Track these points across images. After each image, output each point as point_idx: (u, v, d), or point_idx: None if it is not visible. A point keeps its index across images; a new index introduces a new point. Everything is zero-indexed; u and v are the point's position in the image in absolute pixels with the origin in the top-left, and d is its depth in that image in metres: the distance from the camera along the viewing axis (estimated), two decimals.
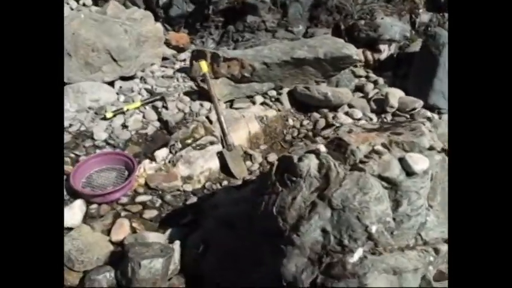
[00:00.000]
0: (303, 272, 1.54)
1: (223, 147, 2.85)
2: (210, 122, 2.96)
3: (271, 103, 3.35)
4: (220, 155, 2.81)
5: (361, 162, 1.62)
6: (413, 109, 3.17)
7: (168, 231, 2.32)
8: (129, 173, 2.72)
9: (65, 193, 2.55)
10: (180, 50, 4.02)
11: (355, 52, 3.35)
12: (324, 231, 1.53)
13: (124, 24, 3.57)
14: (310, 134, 3.19)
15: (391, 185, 1.57)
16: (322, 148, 1.69)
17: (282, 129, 3.27)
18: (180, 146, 2.77)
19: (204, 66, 2.95)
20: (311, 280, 1.51)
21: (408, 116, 3.15)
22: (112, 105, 3.30)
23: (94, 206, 2.50)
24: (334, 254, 1.50)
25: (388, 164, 1.59)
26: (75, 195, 2.53)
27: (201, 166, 2.73)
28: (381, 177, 1.57)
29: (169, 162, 2.75)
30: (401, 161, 1.60)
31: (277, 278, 1.63)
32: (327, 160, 1.65)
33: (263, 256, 1.74)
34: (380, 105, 3.26)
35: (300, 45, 3.38)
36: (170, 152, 2.80)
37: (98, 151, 2.91)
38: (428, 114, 3.11)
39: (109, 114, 3.14)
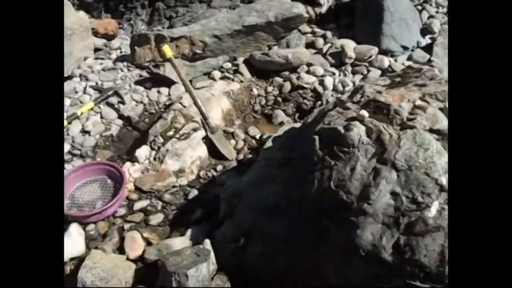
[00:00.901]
0: (381, 237, 1.54)
1: (205, 131, 2.70)
2: (184, 107, 2.77)
3: (231, 76, 3.22)
4: (206, 140, 2.66)
5: (409, 120, 1.63)
6: (370, 57, 3.25)
7: (188, 232, 2.17)
8: (114, 181, 2.48)
9: None
10: (110, 37, 3.65)
11: (303, 10, 3.31)
12: (393, 193, 1.53)
13: None
14: (279, 99, 3.14)
15: (442, 136, 1.60)
16: (365, 113, 1.66)
17: (248, 100, 3.18)
18: (161, 140, 2.57)
19: (168, 51, 2.72)
20: (393, 243, 1.52)
21: (367, 64, 3.23)
22: None
23: (90, 226, 2.26)
24: (411, 213, 1.51)
25: (435, 116, 1.62)
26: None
27: (190, 156, 2.57)
28: (432, 131, 1.60)
29: (154, 159, 2.55)
30: (443, 111, 1.64)
31: (345, 251, 1.62)
32: (375, 124, 1.63)
33: (322, 234, 1.71)
34: (337, 58, 3.30)
35: (247, 12, 3.26)
36: (152, 148, 2.59)
37: (67, 166, 2.60)
38: (385, 59, 3.22)
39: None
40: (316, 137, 1.75)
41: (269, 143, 2.53)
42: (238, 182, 2.25)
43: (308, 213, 1.75)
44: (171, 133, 2.58)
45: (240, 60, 3.32)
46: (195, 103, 2.65)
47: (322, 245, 1.71)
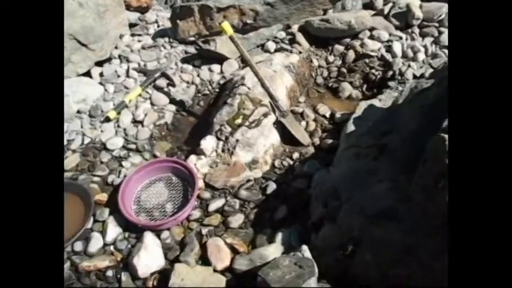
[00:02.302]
0: None
1: (275, 115, 2.41)
2: (248, 89, 2.46)
3: (288, 46, 2.89)
4: (278, 125, 2.38)
5: None
6: (440, 16, 2.89)
7: (279, 237, 1.93)
8: (180, 178, 2.23)
9: (118, 230, 2.04)
10: (143, 10, 3.29)
11: None
12: None
13: None
14: (344, 70, 2.82)
15: None
16: None
17: (309, 72, 2.86)
18: (229, 129, 2.29)
19: (228, 28, 2.36)
20: None
21: (437, 25, 2.88)
22: (104, 100, 2.65)
23: (165, 233, 2.02)
24: None
25: None
26: (134, 228, 2.03)
27: (263, 145, 2.29)
28: None
29: (223, 151, 2.28)
30: None
31: None
32: None
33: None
34: (402, 20, 2.94)
35: None
36: (218, 139, 2.31)
37: (125, 163, 2.33)
38: None
39: (112, 114, 2.51)
40: (446, 136, 1.46)
41: (350, 127, 2.25)
42: (329, 177, 1.98)
43: (436, 221, 1.50)
44: (239, 121, 2.29)
45: (295, 28, 2.98)
46: (263, 85, 2.34)
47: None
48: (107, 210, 2.10)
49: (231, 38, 2.36)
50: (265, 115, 2.33)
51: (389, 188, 1.71)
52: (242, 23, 2.85)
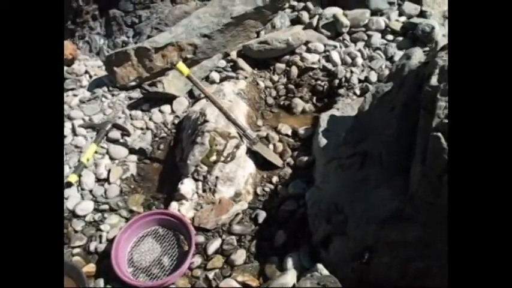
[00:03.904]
0: None
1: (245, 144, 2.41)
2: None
3: (232, 74, 2.90)
4: (251, 154, 2.39)
5: None
6: (365, 20, 3.09)
7: (290, 263, 1.93)
8: (167, 228, 2.15)
9: None
10: (69, 63, 3.10)
11: None
12: None
13: None
14: (291, 86, 2.89)
15: None
16: None
17: (259, 95, 2.90)
18: (205, 168, 2.25)
19: (184, 68, 2.31)
20: None
21: (364, 29, 3.08)
22: None
23: None
24: None
25: None
26: None
27: (242, 176, 2.28)
28: None
29: (204, 191, 2.23)
30: None
31: None
32: None
33: None
34: (332, 29, 3.09)
35: (230, 1, 2.92)
36: (195, 180, 2.26)
37: (104, 227, 2.19)
38: (381, 20, 3.07)
39: (73, 178, 2.34)
40: (440, 134, 1.57)
41: (322, 140, 2.32)
42: (324, 194, 2.02)
43: (444, 212, 1.60)
44: (213, 158, 2.26)
45: (233, 54, 3.00)
46: (228, 117, 2.33)
47: None
48: (101, 281, 1.96)
49: (188, 77, 2.33)
50: (237, 147, 2.32)
51: (389, 193, 1.78)
52: (182, 59, 2.82)
